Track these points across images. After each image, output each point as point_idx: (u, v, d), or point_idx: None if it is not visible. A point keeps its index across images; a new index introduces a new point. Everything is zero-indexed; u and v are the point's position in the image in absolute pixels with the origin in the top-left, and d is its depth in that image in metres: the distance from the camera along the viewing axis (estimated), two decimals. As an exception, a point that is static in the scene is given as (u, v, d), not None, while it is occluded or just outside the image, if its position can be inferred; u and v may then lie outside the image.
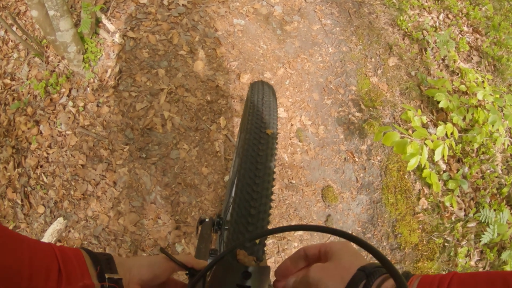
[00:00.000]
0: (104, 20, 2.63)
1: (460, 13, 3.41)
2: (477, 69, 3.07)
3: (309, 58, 2.76)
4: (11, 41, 2.78)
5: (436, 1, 3.47)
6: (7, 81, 2.66)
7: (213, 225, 1.26)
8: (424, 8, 3.43)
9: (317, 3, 3.10)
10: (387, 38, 3.12)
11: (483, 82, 2.74)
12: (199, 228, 1.23)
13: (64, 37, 2.37)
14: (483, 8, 3.47)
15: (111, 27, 2.61)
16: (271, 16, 2.85)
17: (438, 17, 3.40)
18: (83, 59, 2.54)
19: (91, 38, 2.59)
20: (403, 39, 3.19)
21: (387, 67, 2.95)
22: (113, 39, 2.58)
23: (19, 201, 2.32)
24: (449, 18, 3.42)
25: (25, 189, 2.34)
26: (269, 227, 0.79)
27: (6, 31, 2.82)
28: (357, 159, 2.55)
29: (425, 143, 2.11)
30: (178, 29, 2.59)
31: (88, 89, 2.51)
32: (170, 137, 2.35)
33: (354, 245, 0.55)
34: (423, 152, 2.09)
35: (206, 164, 2.32)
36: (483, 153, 2.59)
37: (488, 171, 2.54)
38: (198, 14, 2.67)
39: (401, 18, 3.21)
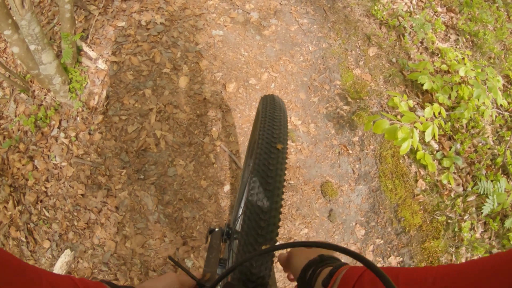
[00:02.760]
0: (85, 48, 2.66)
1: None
2: (456, 47, 3.14)
3: (291, 59, 2.82)
4: None
5: None
6: None
7: (222, 235, 1.29)
8: None
9: (291, 4, 3.16)
10: (364, 29, 3.18)
11: (463, 58, 2.81)
12: (209, 238, 1.26)
13: (47, 69, 2.39)
14: None
15: (92, 54, 2.64)
16: (249, 23, 2.90)
17: (411, 2, 3.47)
18: (69, 89, 2.57)
19: (74, 67, 2.62)
20: (380, 28, 3.25)
21: (368, 57, 3.01)
22: (96, 66, 2.61)
23: (23, 239, 2.33)
24: (422, 1, 3.49)
25: (28, 225, 2.35)
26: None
27: None
28: (351, 151, 2.60)
29: (414, 126, 2.16)
30: (159, 47, 2.63)
31: (78, 118, 2.54)
32: (165, 155, 2.38)
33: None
34: (413, 135, 2.14)
35: (204, 177, 2.36)
36: (472, 127, 2.65)
37: (480, 144, 2.60)
38: (176, 30, 2.72)
39: (375, 8, 3.27)
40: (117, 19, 2.75)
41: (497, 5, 3.46)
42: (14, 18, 2.17)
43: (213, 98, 2.53)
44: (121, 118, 2.46)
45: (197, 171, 2.36)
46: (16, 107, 2.69)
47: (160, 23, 2.73)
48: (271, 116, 1.11)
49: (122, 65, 2.58)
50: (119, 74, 2.56)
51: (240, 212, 1.69)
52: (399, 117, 2.33)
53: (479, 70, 2.61)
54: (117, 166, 2.37)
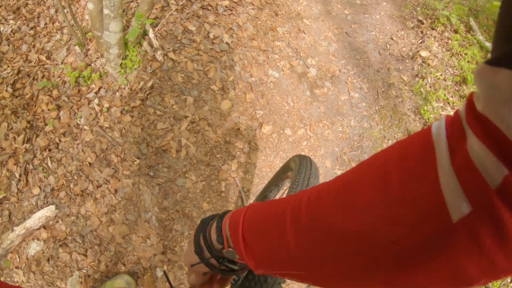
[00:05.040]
0: (151, 34, 2.95)
1: None
2: None
3: (330, 126, 3.09)
4: (58, 22, 3.09)
5: (461, 99, 3.85)
6: (43, 57, 2.94)
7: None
8: (448, 103, 3.81)
9: (350, 74, 3.47)
10: (407, 124, 3.46)
11: None
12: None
13: (110, 37, 2.66)
14: None
15: (155, 42, 2.93)
16: (305, 77, 3.20)
17: None
18: (121, 64, 2.83)
19: (134, 47, 2.90)
20: (423, 127, 3.53)
21: (400, 153, 3.27)
22: (154, 55, 2.90)
23: (17, 175, 2.52)
24: None
25: (27, 166, 2.55)
26: None
27: (56, 11, 3.13)
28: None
29: None
30: (216, 64, 2.92)
31: (117, 93, 2.79)
32: (181, 164, 2.61)
33: None
34: None
35: (208, 200, 2.57)
36: None
37: None
38: (238, 55, 3.02)
39: (425, 108, 3.56)
40: (190, 22, 3.07)
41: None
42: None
43: (246, 132, 2.78)
44: (156, 112, 2.71)
45: (204, 192, 2.58)
46: (66, 55, 2.96)
47: (226, 42, 3.03)
48: (306, 181, 1.19)
49: (177, 65, 2.86)
50: (171, 72, 2.84)
51: None
52: None
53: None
54: (133, 154, 2.60)
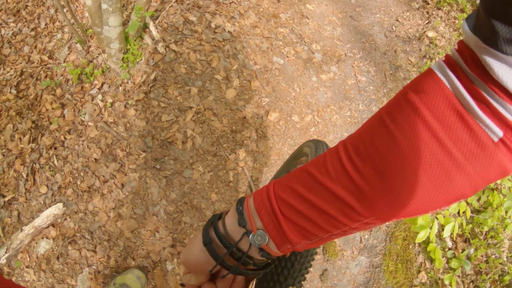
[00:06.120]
0: (151, 27, 2.91)
1: None
2: None
3: (338, 111, 3.01)
4: (59, 21, 3.08)
5: None
6: (45, 57, 2.94)
7: None
8: None
9: (356, 58, 3.39)
10: (417, 108, 3.37)
11: None
12: None
13: (110, 32, 2.63)
14: None
15: (156, 35, 2.88)
16: (310, 62, 3.13)
17: None
18: (123, 58, 2.80)
19: (135, 40, 2.86)
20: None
21: (412, 136, 3.18)
22: (156, 48, 2.85)
23: (24, 175, 2.51)
24: None
25: (34, 165, 2.54)
26: None
27: (56, 11, 3.12)
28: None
29: (436, 217, 2.29)
30: (219, 53, 2.87)
31: (120, 88, 2.76)
32: (188, 155, 2.56)
33: None
34: (433, 226, 2.27)
35: (217, 191, 2.52)
36: (491, 237, 2.77)
37: (493, 256, 2.70)
38: (241, 43, 2.96)
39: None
40: (191, 12, 3.02)
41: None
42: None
43: (253, 120, 2.72)
44: (160, 105, 2.66)
45: (212, 182, 2.53)
46: (68, 54, 2.95)
47: (228, 31, 2.98)
48: None
49: (180, 56, 2.81)
50: (173, 63, 2.79)
51: None
52: None
53: (515, 182, 2.73)
54: (139, 148, 2.56)
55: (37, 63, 2.93)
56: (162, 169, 2.54)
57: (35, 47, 3.04)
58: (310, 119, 2.89)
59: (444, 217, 2.32)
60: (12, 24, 3.22)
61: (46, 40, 3.06)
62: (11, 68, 2.96)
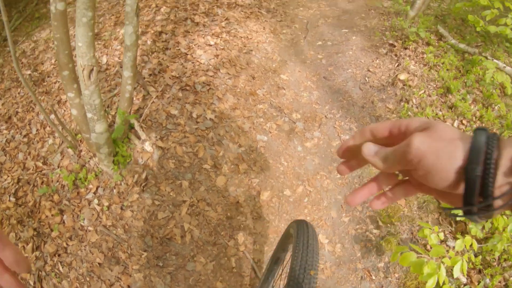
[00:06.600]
0: (137, 127, 3.05)
1: (474, 117, 3.74)
2: None
3: (328, 175, 3.10)
4: (49, 126, 3.22)
5: (450, 109, 3.84)
6: (39, 164, 3.08)
7: None
8: (438, 117, 3.80)
9: (336, 118, 3.52)
10: (404, 153, 3.45)
11: None
12: None
13: (98, 139, 2.76)
14: (496, 108, 3.81)
15: (142, 134, 3.02)
16: (293, 133, 3.26)
17: (453, 124, 3.74)
18: (113, 161, 2.93)
19: (123, 142, 3.00)
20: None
21: (404, 182, 3.24)
22: (143, 147, 2.98)
23: (31, 283, 2.58)
24: (463, 124, 3.75)
25: (40, 273, 2.62)
26: None
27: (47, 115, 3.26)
28: (374, 277, 2.75)
29: (442, 262, 2.31)
30: (204, 142, 2.99)
31: (115, 190, 2.86)
32: (188, 249, 2.62)
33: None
34: (440, 271, 2.28)
35: (221, 279, 2.56)
36: (504, 260, 2.78)
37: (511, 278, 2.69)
38: (223, 128, 3.09)
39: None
40: (172, 106, 3.17)
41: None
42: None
43: (246, 203, 2.81)
44: (155, 203, 2.75)
45: (215, 271, 2.58)
46: (61, 159, 3.08)
47: (210, 118, 3.12)
48: (305, 244, 1.40)
49: (167, 152, 2.93)
50: (162, 160, 2.90)
51: None
52: (429, 247, 2.48)
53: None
54: (140, 248, 2.62)
55: (32, 170, 3.05)
56: (165, 265, 2.59)
57: (29, 153, 3.18)
58: (302, 190, 2.97)
59: (450, 258, 2.33)
60: (5, 131, 3.39)
61: (38, 146, 3.19)
62: (8, 176, 3.08)
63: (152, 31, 4.00)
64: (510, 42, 4.45)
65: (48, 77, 3.81)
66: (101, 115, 2.69)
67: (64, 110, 3.38)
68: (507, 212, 2.85)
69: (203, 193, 2.81)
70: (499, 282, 2.72)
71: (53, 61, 3.93)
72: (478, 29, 4.17)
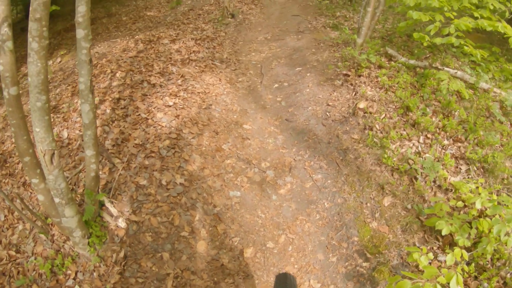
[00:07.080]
0: (107, 203, 2.99)
1: (437, 129, 3.83)
2: (468, 177, 3.39)
3: (308, 218, 3.11)
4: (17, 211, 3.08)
5: (413, 127, 3.94)
6: (12, 252, 2.94)
7: None
8: (404, 138, 3.89)
9: (305, 159, 3.56)
10: (377, 179, 3.51)
11: (477, 188, 3.05)
12: None
13: (69, 223, 2.68)
14: (456, 113, 3.93)
15: (114, 210, 2.95)
16: (265, 182, 3.27)
17: (418, 141, 3.84)
18: (88, 242, 2.84)
19: (95, 221, 2.91)
20: (392, 175, 3.58)
21: (384, 208, 3.28)
22: (117, 224, 2.91)
23: None
24: (428, 138, 3.84)
25: None
26: None
27: (13, 199, 3.12)
28: (370, 313, 2.71)
29: (437, 281, 2.30)
30: (178, 209, 2.95)
31: (94, 273, 2.77)
32: (180, 324, 2.52)
33: None
34: None
35: None
36: (497, 259, 2.80)
37: (508, 274, 2.71)
38: (195, 191, 3.07)
39: (385, 155, 3.63)
40: (139, 176, 3.13)
41: (499, 118, 3.78)
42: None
43: (231, 264, 2.76)
44: (138, 281, 2.67)
45: None
46: (34, 245, 2.96)
47: (180, 183, 3.09)
48: None
49: (142, 225, 2.87)
50: (138, 234, 2.84)
51: None
52: (421, 269, 2.47)
53: (495, 203, 2.80)
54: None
55: (6, 260, 2.92)
56: None
57: (0, 242, 3.01)
58: (284, 239, 2.96)
59: (444, 276, 2.33)
60: (-29, 221, 3.20)
61: (9, 234, 3.06)
62: (-20, 272, 2.90)
63: (110, 99, 3.99)
64: (455, 46, 4.68)
65: (10, 157, 3.69)
66: (69, 199, 2.62)
67: (31, 193, 3.27)
68: (488, 212, 2.89)
69: (186, 262, 2.74)
70: (497, 282, 2.74)
71: (13, 139, 3.81)
72: (425, 44, 4.36)
